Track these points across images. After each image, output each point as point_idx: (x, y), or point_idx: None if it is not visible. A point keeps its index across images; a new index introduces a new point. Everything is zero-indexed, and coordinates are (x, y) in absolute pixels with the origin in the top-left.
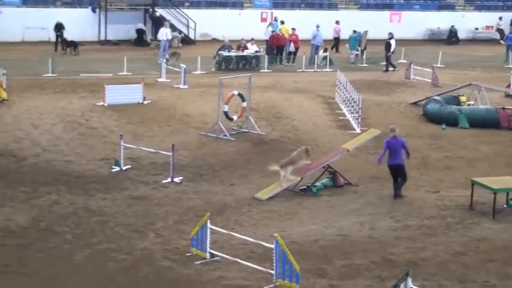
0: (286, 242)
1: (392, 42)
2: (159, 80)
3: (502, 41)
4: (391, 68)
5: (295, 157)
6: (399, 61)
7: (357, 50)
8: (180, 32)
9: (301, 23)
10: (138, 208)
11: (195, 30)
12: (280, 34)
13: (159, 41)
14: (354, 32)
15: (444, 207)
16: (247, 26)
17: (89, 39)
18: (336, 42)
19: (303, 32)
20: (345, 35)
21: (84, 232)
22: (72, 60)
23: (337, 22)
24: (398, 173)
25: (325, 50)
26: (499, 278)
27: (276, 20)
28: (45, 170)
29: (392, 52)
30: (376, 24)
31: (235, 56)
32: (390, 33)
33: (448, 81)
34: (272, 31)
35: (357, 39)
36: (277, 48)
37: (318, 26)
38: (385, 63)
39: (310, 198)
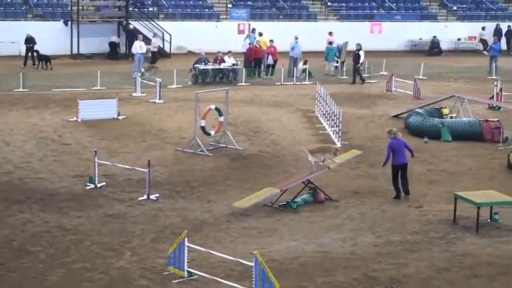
0: (266, 260)
1: (361, 53)
2: (134, 94)
3: (485, 52)
4: (360, 81)
5: (325, 148)
6: (380, 73)
7: (337, 62)
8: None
9: (280, 35)
10: (113, 226)
11: (170, 43)
12: (258, 46)
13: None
14: (330, 43)
15: (427, 222)
16: (224, 39)
17: (61, 52)
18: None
19: (282, 44)
20: (322, 46)
21: (59, 251)
22: (43, 74)
23: (330, 33)
24: (403, 172)
25: (305, 62)
26: None
27: (253, 31)
28: (17, 188)
29: (361, 64)
30: (357, 35)
31: (212, 69)
32: (358, 44)
33: (430, 93)
34: (250, 43)
35: (334, 51)
36: (255, 61)
37: (296, 38)
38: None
39: (290, 214)
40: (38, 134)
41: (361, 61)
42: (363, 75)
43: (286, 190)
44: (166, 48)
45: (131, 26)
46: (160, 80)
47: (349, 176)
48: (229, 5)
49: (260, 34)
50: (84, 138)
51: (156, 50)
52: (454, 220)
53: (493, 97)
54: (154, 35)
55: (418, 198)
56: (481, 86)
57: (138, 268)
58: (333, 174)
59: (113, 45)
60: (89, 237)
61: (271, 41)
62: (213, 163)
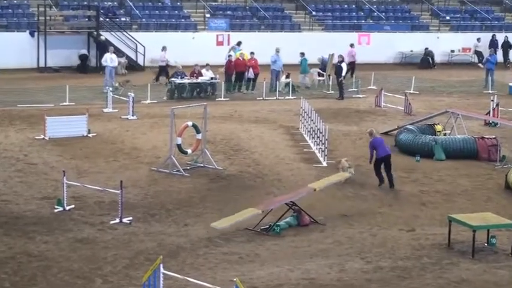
0: (247, 287)
1: (344, 66)
2: (105, 110)
3: (480, 64)
4: (339, 97)
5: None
6: (369, 87)
7: (322, 75)
8: (127, 56)
9: (261, 47)
10: (83, 252)
11: (144, 55)
12: (241, 59)
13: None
14: (302, 54)
15: (419, 246)
16: (201, 50)
17: (27, 65)
18: (352, 67)
19: (263, 57)
20: (296, 59)
21: (24, 279)
22: (8, 89)
23: (351, 45)
24: (388, 163)
25: (287, 76)
26: None
27: (239, 44)
28: None
29: (344, 77)
30: (343, 47)
31: (189, 83)
32: (340, 56)
33: (422, 109)
34: (229, 55)
35: (306, 62)
36: (237, 74)
37: (277, 51)
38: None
39: (273, 238)
40: (2, 153)
41: (343, 74)
42: (344, 91)
43: (269, 212)
44: (140, 61)
45: (102, 38)
46: (133, 94)
47: (336, 197)
48: (207, 15)
49: (239, 44)
50: (51, 158)
51: (164, 64)
52: (449, 244)
53: (489, 113)
54: (163, 48)
55: (409, 221)
56: (477, 100)
57: None
58: (318, 195)
59: (83, 58)
60: (57, 264)
61: (251, 53)
62: (190, 184)
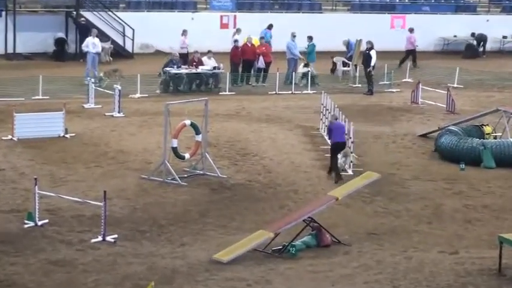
0: None
1: (373, 54)
2: (86, 106)
3: None
4: (368, 92)
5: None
6: (403, 80)
7: (347, 66)
8: (113, 41)
9: (274, 30)
10: (58, 276)
11: (133, 39)
12: (249, 45)
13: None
14: (310, 39)
15: (464, 272)
16: (202, 34)
17: None
18: (413, 55)
19: (276, 43)
20: (329, 45)
21: None
22: None
23: (410, 30)
24: (340, 150)
25: (306, 65)
26: None
27: (271, 27)
28: None
29: (373, 67)
30: (374, 31)
31: (187, 73)
32: (369, 42)
33: (467, 107)
34: (234, 41)
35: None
36: (244, 63)
37: (294, 35)
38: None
39: (288, 261)
40: None
41: (372, 64)
42: (373, 84)
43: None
44: (128, 47)
45: (83, 20)
46: (119, 87)
47: (363, 212)
48: None
49: (270, 27)
50: (21, 162)
51: (185, 51)
52: (499, 270)
53: None
54: (184, 32)
55: (452, 242)
56: None
57: None
58: (342, 210)
59: (60, 43)
60: None
61: (261, 38)
62: (187, 195)
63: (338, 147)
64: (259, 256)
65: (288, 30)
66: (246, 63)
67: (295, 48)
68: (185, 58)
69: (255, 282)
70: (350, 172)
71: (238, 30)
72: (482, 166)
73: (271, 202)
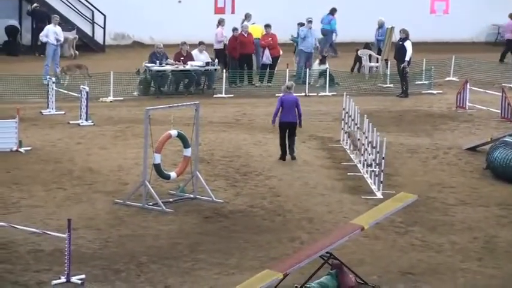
0: None
1: (408, 45)
2: (45, 112)
3: None
4: (402, 93)
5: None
6: (447, 79)
7: (376, 61)
8: (78, 30)
9: (282, 17)
10: None
11: (104, 28)
12: (245, 35)
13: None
14: (301, 25)
15: None
16: (192, 22)
17: None
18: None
19: (284, 32)
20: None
21: None
22: None
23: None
24: (290, 132)
25: (323, 61)
26: None
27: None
28: None
29: (408, 63)
30: (409, 16)
31: (173, 71)
32: (404, 31)
33: None
34: (233, 29)
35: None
36: (242, 57)
37: (309, 22)
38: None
39: None
40: None
41: (407, 58)
42: (408, 84)
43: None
44: (98, 38)
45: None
46: (87, 88)
47: (396, 245)
48: None
49: (247, 16)
50: None
51: (222, 46)
52: None
53: None
54: (220, 22)
55: (508, 284)
56: None
57: None
58: (369, 242)
59: (12, 32)
60: None
61: (267, 26)
62: (174, 225)
63: (287, 128)
64: None
65: (299, 16)
66: (242, 57)
67: (310, 37)
68: (223, 56)
69: None
70: (379, 194)
71: (247, 16)
72: None
73: (279, 233)
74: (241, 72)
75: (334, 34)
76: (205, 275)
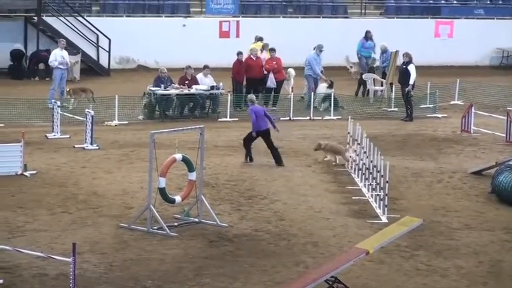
0: None
1: (412, 69)
2: (51, 135)
3: None
4: (406, 117)
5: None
6: (452, 102)
7: (381, 85)
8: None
9: (287, 40)
10: None
11: (109, 52)
12: (254, 58)
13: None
14: (320, 51)
15: None
16: (197, 45)
17: None
18: None
19: (289, 55)
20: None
21: None
22: None
23: None
24: (268, 139)
25: (330, 85)
26: None
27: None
28: None
29: (413, 86)
30: (414, 40)
31: (178, 95)
32: (407, 55)
33: None
34: (238, 53)
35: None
36: (249, 81)
37: (319, 49)
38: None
39: None
40: None
41: (411, 82)
42: (413, 108)
43: None
44: (103, 61)
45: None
46: (92, 112)
47: (402, 270)
48: None
49: (260, 39)
50: None
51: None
52: None
53: None
54: (264, 46)
55: None
56: None
57: None
58: (374, 266)
59: (17, 56)
60: None
61: (272, 50)
62: (179, 249)
63: (264, 135)
64: None
65: (305, 39)
66: (250, 82)
67: (317, 65)
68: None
69: None
70: (384, 219)
71: (259, 40)
72: None
73: (284, 258)
74: (246, 95)
75: (372, 58)
76: None
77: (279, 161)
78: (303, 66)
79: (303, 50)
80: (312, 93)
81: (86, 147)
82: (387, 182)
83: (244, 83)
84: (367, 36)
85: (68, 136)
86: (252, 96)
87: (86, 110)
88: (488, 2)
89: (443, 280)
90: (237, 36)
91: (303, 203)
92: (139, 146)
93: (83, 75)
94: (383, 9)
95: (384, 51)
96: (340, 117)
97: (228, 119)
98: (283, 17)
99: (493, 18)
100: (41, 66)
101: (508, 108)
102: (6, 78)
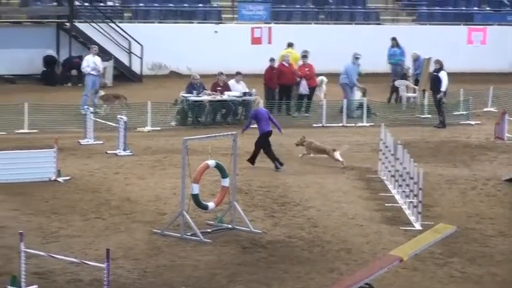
0: None
1: (443, 75)
2: (84, 141)
3: None
4: (439, 124)
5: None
6: (485, 109)
7: (414, 91)
8: (115, 59)
9: (319, 46)
10: None
11: (141, 58)
12: (287, 65)
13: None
14: (356, 58)
15: None
16: (229, 51)
17: None
18: None
19: (322, 62)
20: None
21: None
22: None
23: None
24: (268, 141)
25: (364, 93)
26: None
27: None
28: None
29: (445, 93)
30: (446, 47)
31: (210, 101)
32: (438, 62)
33: None
34: (270, 60)
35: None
36: (282, 88)
37: (357, 57)
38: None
39: None
40: None
41: (443, 89)
42: (445, 115)
43: None
44: (136, 68)
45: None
46: (125, 118)
47: (435, 277)
48: None
49: (290, 45)
50: (2, 213)
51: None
52: None
53: None
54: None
55: None
56: None
57: None
58: (408, 273)
59: (50, 62)
60: None
61: (304, 56)
62: (212, 255)
63: (267, 136)
64: None
65: (335, 46)
66: (282, 88)
67: (354, 74)
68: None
69: None
70: (417, 226)
71: (289, 46)
72: None
73: (318, 264)
74: (280, 102)
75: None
76: None
77: (279, 164)
78: (334, 73)
79: (335, 56)
80: (345, 100)
81: (118, 153)
82: (421, 189)
83: (277, 89)
84: (393, 44)
85: (101, 142)
86: (258, 98)
87: (119, 116)
88: None
89: (477, 286)
90: (269, 42)
91: (336, 210)
92: (172, 152)
93: (115, 81)
94: (415, 16)
95: (416, 59)
96: (372, 123)
97: None
98: (315, 23)
99: None
100: (74, 72)
101: None
102: (39, 84)
